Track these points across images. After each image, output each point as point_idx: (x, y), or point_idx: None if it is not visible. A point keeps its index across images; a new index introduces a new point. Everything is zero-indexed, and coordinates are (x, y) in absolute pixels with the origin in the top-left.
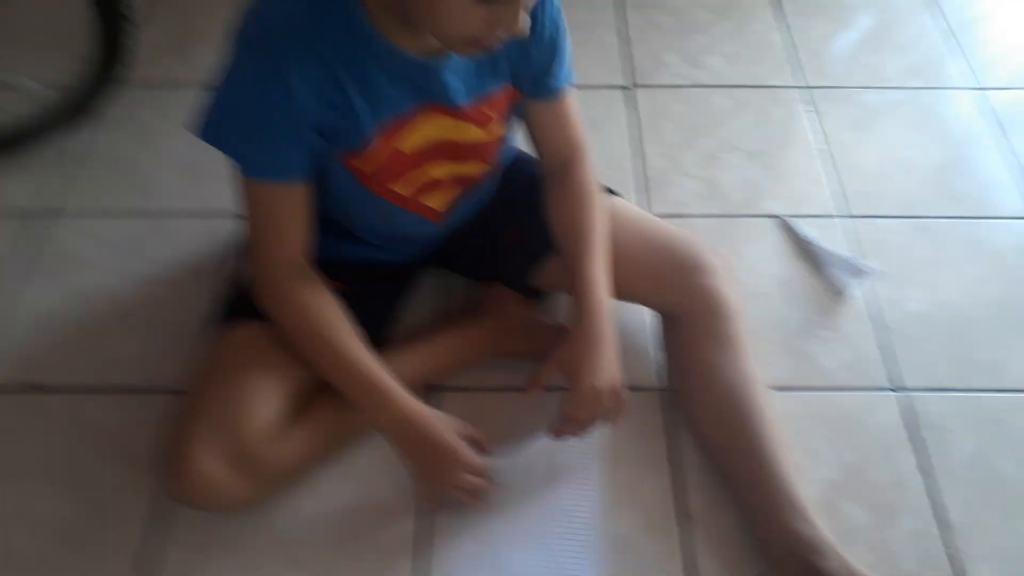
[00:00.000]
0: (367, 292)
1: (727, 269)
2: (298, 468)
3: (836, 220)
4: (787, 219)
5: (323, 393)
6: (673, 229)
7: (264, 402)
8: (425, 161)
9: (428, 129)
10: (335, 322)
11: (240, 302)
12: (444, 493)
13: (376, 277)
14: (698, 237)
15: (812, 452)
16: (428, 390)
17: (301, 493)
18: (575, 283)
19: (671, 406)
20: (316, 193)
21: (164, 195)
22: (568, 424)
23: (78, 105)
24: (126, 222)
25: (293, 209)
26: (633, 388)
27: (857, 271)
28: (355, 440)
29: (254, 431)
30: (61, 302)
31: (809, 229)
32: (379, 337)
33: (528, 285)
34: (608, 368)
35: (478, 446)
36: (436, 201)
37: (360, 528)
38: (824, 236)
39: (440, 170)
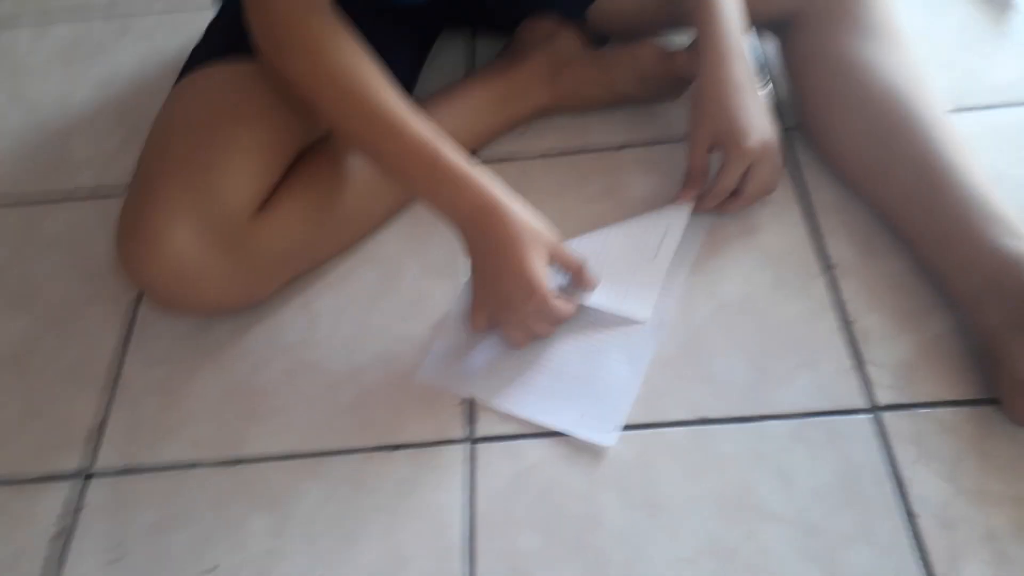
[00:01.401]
0: (382, 42)
1: None
2: (303, 254)
3: None
4: None
5: (336, 155)
6: None
7: (254, 160)
8: None
9: None
10: (373, 76)
11: (223, 39)
12: (501, 324)
13: (389, 23)
14: None
15: (999, 176)
16: None
17: (311, 289)
18: (698, 11)
19: (799, 137)
20: None
21: None
22: (737, 199)
23: None
24: (78, 25)
25: None
26: None
27: None
28: (381, 224)
29: (241, 196)
30: (4, 112)
31: None
32: None
33: (587, 23)
34: (766, 115)
35: (577, 279)
36: None
37: (387, 325)
38: None
39: None
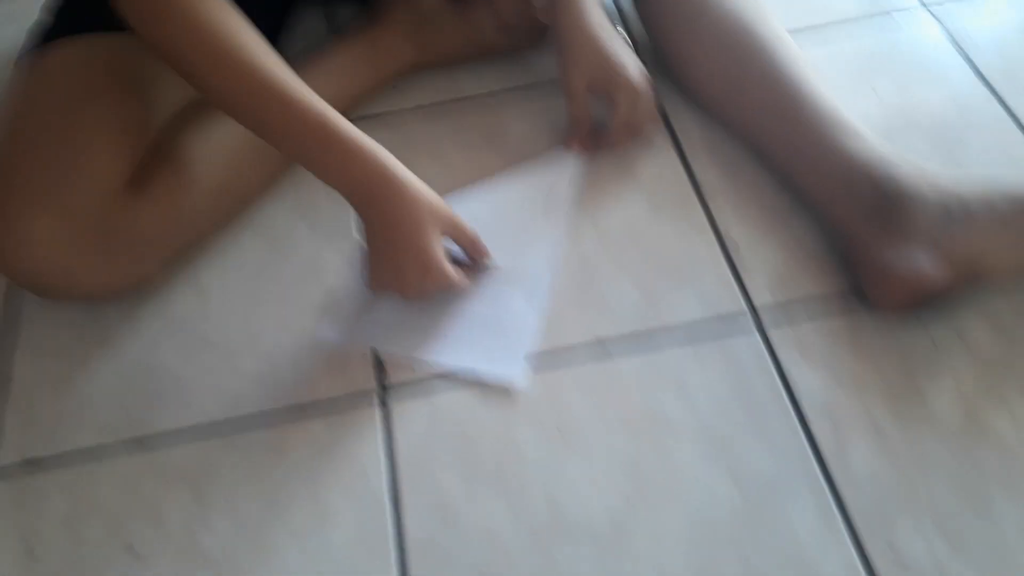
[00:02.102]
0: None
1: None
2: (180, 230)
3: None
4: None
5: (205, 125)
6: None
7: (116, 137)
8: None
9: None
10: (253, 41)
11: (69, 16)
12: (397, 291)
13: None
14: None
15: (841, 95)
16: None
17: (197, 262)
18: None
19: (660, 75)
20: None
21: None
22: (631, 133)
23: None
24: None
25: None
26: None
27: None
28: (263, 192)
29: (105, 176)
30: None
31: None
32: None
33: None
34: (631, 51)
35: (473, 251)
36: None
37: (279, 290)
38: None
39: None
